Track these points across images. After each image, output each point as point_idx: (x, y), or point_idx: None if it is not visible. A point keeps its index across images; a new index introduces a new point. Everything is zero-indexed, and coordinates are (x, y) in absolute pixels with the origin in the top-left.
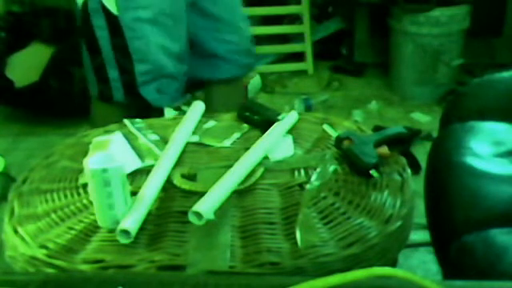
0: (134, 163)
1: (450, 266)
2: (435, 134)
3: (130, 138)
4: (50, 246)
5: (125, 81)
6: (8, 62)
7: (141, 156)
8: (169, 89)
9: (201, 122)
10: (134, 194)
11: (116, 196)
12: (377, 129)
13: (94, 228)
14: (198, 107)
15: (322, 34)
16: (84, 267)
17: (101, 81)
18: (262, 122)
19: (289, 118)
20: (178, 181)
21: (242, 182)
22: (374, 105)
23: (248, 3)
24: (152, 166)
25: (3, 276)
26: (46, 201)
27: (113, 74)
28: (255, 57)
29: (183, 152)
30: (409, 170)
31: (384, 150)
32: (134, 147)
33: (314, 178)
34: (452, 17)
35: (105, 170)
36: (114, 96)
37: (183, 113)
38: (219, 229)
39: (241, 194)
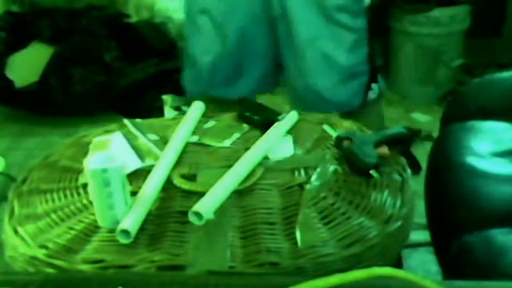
0: (134, 163)
1: (450, 265)
2: (435, 134)
3: (129, 138)
4: (50, 246)
5: None
6: (8, 61)
7: (141, 156)
8: None
9: (201, 122)
10: (134, 194)
11: (116, 196)
12: (377, 129)
13: (94, 228)
14: (197, 107)
15: None
16: (84, 267)
17: None
18: (261, 121)
19: (289, 118)
20: (177, 181)
21: (242, 182)
22: None
23: None
24: (152, 166)
25: (3, 276)
26: (46, 201)
27: None
28: None
29: (183, 152)
30: (409, 170)
31: (384, 149)
32: (133, 147)
33: (314, 178)
34: (452, 17)
35: (105, 170)
36: None
37: (183, 113)
38: (219, 229)
39: (241, 193)
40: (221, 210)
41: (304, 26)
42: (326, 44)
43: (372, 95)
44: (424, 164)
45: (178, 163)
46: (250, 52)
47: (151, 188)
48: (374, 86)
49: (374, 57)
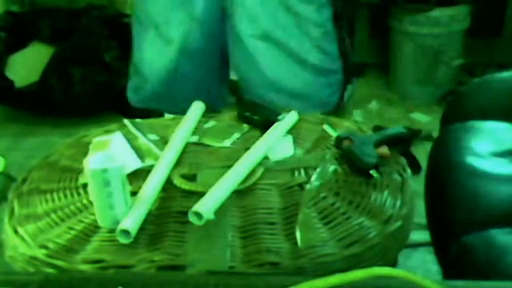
0: (133, 163)
1: (450, 266)
2: (435, 134)
3: (129, 138)
4: (50, 246)
5: None
6: (8, 62)
7: (141, 156)
8: None
9: (201, 122)
10: (134, 194)
11: (116, 196)
12: (377, 129)
13: (94, 228)
14: (197, 107)
15: None
16: (84, 267)
17: None
18: (262, 121)
19: (289, 118)
20: (177, 181)
21: (242, 182)
22: (374, 105)
23: None
24: (152, 166)
25: (3, 276)
26: (46, 201)
27: None
28: None
29: (183, 152)
30: (409, 170)
31: (384, 149)
32: (133, 147)
33: (314, 178)
34: (452, 17)
35: (105, 170)
36: None
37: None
38: (219, 229)
39: (241, 193)
40: (221, 210)
41: (265, 21)
42: (291, 40)
43: (346, 96)
44: (424, 164)
45: (178, 163)
46: (196, 65)
47: (151, 188)
48: (348, 86)
49: (348, 55)
